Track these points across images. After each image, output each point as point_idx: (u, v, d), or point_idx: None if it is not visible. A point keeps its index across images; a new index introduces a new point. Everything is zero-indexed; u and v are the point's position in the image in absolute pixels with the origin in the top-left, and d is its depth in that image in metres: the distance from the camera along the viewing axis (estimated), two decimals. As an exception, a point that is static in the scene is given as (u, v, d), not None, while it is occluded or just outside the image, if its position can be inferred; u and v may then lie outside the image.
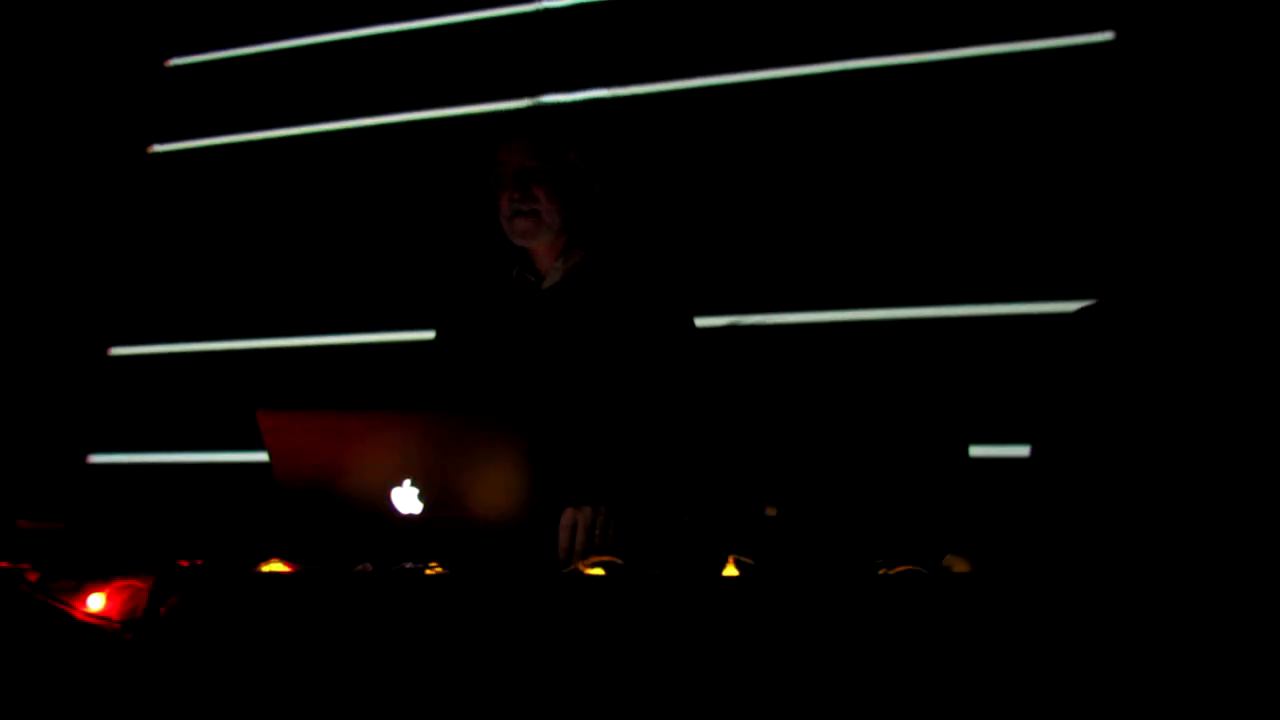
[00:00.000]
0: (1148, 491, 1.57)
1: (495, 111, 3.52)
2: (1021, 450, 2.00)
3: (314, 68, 3.87)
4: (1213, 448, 1.53)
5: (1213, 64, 2.67)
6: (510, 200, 2.11)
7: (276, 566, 1.59)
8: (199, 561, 1.66)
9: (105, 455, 3.82)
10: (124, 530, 1.76)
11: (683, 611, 1.29)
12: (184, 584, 1.54)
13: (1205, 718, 1.08)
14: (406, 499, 1.52)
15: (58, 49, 4.05)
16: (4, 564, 1.65)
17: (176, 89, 4.06)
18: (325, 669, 1.42)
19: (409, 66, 3.73)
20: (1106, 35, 2.95)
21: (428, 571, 1.49)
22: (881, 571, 1.32)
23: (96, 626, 1.55)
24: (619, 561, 1.43)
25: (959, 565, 1.32)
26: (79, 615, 1.56)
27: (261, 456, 1.60)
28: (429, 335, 2.34)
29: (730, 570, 1.36)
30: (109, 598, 1.57)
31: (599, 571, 1.42)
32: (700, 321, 2.23)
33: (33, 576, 1.61)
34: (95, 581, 1.58)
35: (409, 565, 1.52)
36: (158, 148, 4.04)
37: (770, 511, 1.43)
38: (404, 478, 1.52)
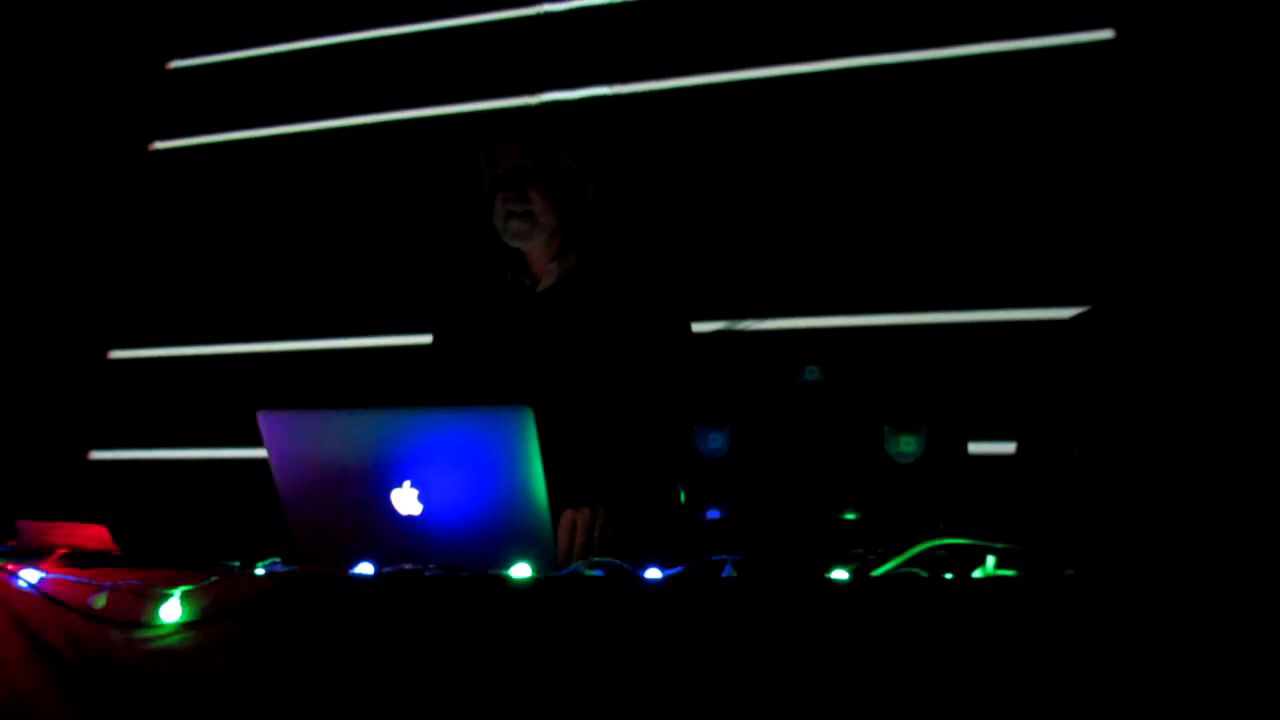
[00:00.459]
0: (1139, 491, 1.57)
1: (492, 112, 3.53)
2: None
3: (318, 69, 3.88)
4: (1204, 449, 1.53)
5: (1213, 63, 2.66)
6: (504, 201, 2.11)
7: (275, 568, 1.59)
8: (199, 562, 1.66)
9: (106, 452, 3.83)
10: (124, 530, 1.76)
11: (682, 612, 1.30)
12: (184, 584, 1.54)
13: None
14: (406, 500, 1.52)
15: (59, 53, 4.05)
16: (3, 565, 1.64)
17: (177, 90, 4.07)
18: (324, 670, 1.42)
19: (410, 68, 3.73)
20: (1106, 33, 2.95)
21: (427, 572, 1.49)
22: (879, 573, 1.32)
23: (98, 627, 1.55)
24: (618, 563, 1.43)
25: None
26: (79, 616, 1.56)
27: (260, 453, 1.61)
28: (426, 339, 2.34)
29: (731, 571, 1.36)
30: (109, 598, 1.56)
31: (598, 572, 1.42)
32: (696, 325, 2.23)
33: (32, 576, 1.60)
34: (97, 582, 1.58)
35: (408, 566, 1.52)
36: (159, 145, 4.05)
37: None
38: (403, 478, 1.52)
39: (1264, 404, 1.51)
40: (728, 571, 1.37)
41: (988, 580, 1.30)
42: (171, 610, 1.49)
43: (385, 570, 1.52)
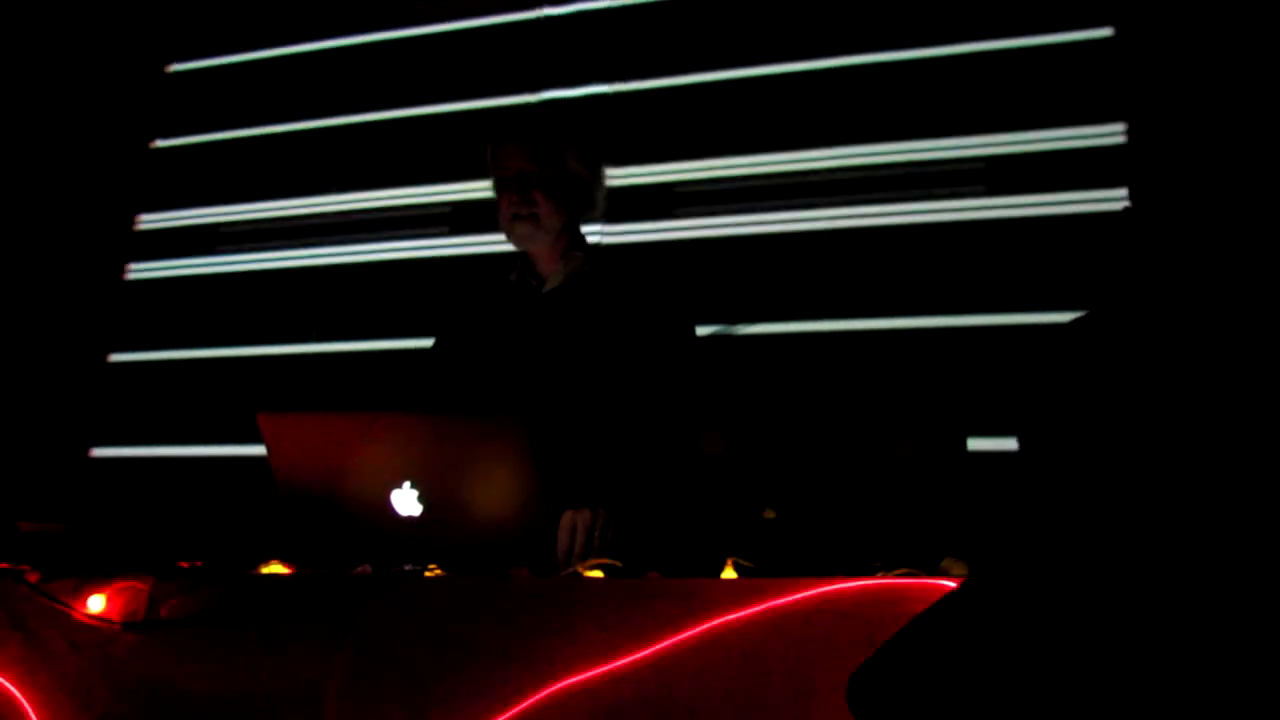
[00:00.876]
0: (1136, 495, 1.57)
1: (493, 111, 3.53)
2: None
3: (318, 70, 3.89)
4: (1203, 454, 1.53)
5: (1212, 61, 2.66)
6: (510, 203, 2.10)
7: (276, 568, 1.59)
8: (199, 563, 1.67)
9: (107, 449, 3.83)
10: (124, 530, 1.76)
11: (682, 613, 1.30)
12: (184, 585, 1.55)
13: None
14: (406, 501, 1.53)
15: (59, 55, 4.06)
16: (4, 565, 1.65)
17: (177, 92, 4.08)
18: (324, 671, 1.42)
19: (414, 69, 3.74)
20: (1105, 31, 2.95)
21: (427, 573, 1.49)
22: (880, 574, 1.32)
23: (96, 627, 1.55)
24: (618, 564, 1.44)
25: (957, 568, 1.33)
26: (79, 616, 1.56)
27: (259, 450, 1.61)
28: (428, 342, 2.34)
29: (729, 573, 1.36)
30: (109, 599, 1.57)
31: (598, 574, 1.43)
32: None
33: (33, 577, 1.61)
34: (95, 582, 1.58)
35: (408, 567, 1.52)
36: (160, 143, 4.05)
37: (769, 514, 1.43)
38: (403, 480, 1.52)
39: (1264, 404, 1.51)
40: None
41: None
42: (172, 611, 1.50)
43: (385, 571, 1.53)
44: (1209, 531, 1.35)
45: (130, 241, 3.99)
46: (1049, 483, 1.70)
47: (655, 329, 2.06)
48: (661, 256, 3.12)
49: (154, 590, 1.55)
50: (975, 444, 1.59)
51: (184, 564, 1.65)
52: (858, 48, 3.18)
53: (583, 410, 1.98)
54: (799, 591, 1.28)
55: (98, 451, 3.83)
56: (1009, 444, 1.88)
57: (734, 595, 1.30)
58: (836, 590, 1.28)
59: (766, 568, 1.39)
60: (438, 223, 3.55)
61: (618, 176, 2.43)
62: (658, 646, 1.29)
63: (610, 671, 1.30)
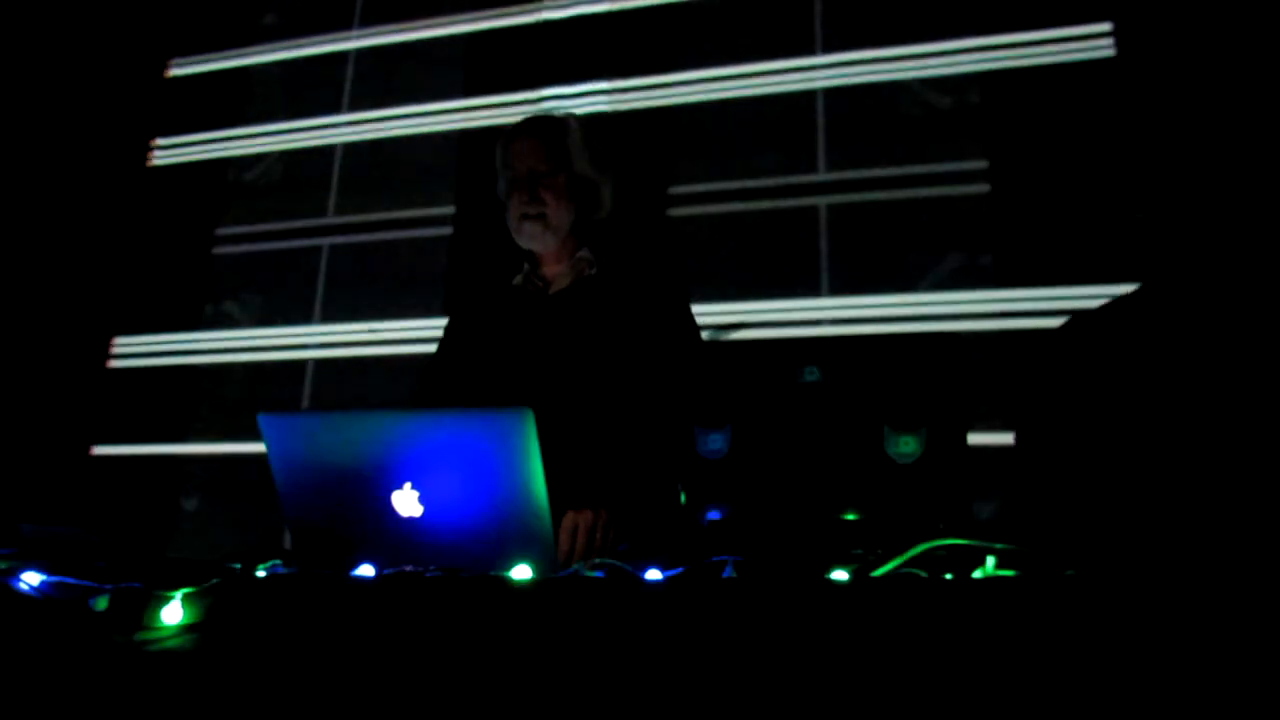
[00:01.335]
0: (1141, 490, 1.57)
1: (498, 116, 3.53)
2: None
3: (319, 71, 3.89)
4: (1198, 450, 1.53)
5: (1211, 59, 2.66)
6: (519, 203, 2.10)
7: (276, 570, 1.59)
8: (199, 563, 1.67)
9: (108, 447, 3.83)
10: (124, 530, 1.76)
11: (683, 614, 1.30)
12: (184, 586, 1.54)
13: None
14: (406, 502, 1.52)
15: (59, 57, 4.06)
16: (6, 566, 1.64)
17: (179, 94, 4.09)
18: (325, 672, 1.42)
19: (415, 72, 3.74)
20: (1104, 28, 2.95)
21: (427, 575, 1.49)
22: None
23: (98, 628, 1.55)
24: (619, 565, 1.44)
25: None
26: (80, 619, 1.56)
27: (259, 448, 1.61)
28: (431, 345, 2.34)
29: (730, 572, 1.36)
30: (111, 600, 1.56)
31: (598, 574, 1.43)
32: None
33: (34, 580, 1.60)
34: (96, 584, 1.58)
35: (409, 568, 1.52)
36: (160, 142, 4.05)
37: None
38: (404, 480, 1.52)
39: (1263, 405, 1.51)
40: (728, 572, 1.37)
41: (987, 580, 1.30)
42: (173, 613, 1.50)
43: (386, 572, 1.53)
44: (1206, 530, 1.36)
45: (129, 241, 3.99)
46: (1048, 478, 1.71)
47: (660, 331, 2.06)
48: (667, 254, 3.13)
49: (155, 592, 1.55)
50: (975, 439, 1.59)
51: (184, 565, 1.65)
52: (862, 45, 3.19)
53: (586, 411, 1.98)
54: (799, 591, 1.28)
55: (98, 450, 3.83)
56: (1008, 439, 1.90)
57: (734, 594, 1.30)
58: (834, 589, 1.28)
59: (767, 567, 1.39)
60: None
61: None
62: (658, 646, 1.29)
63: (610, 671, 1.30)
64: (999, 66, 3.01)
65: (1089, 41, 2.92)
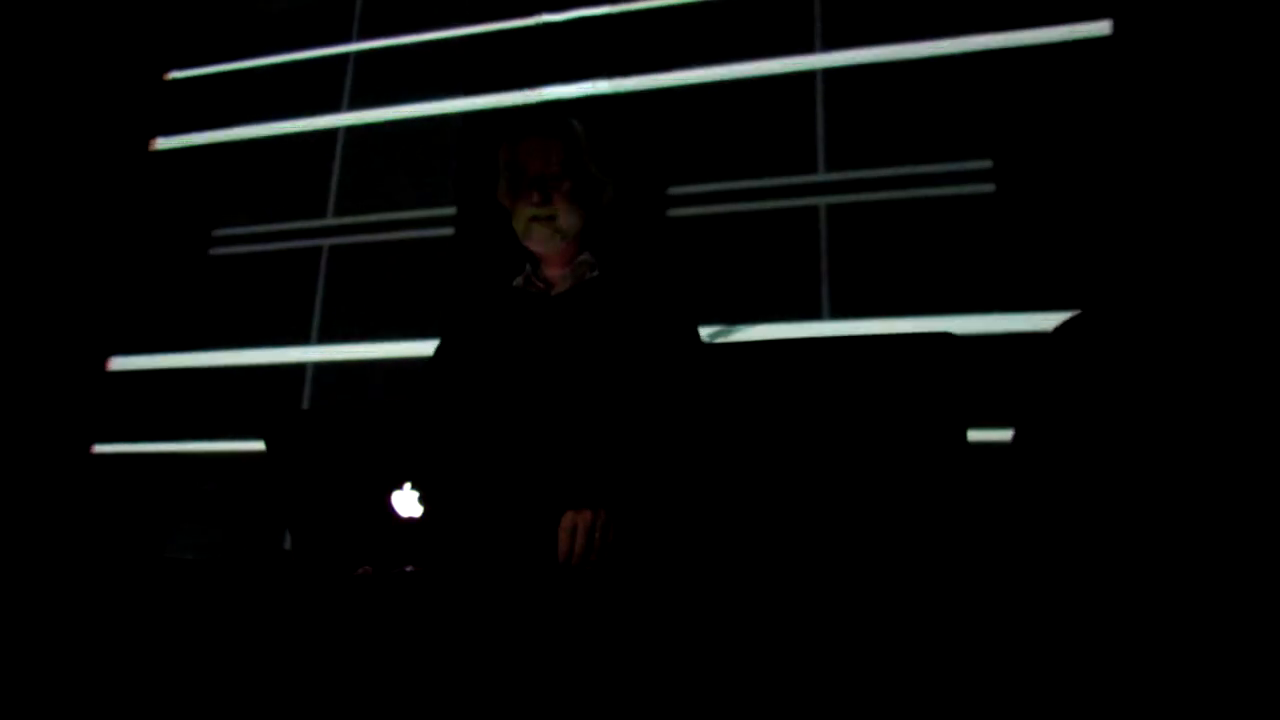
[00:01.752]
0: (1131, 493, 1.57)
1: (500, 117, 3.54)
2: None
3: (317, 72, 3.91)
4: (1195, 452, 1.53)
5: (1211, 57, 2.66)
6: (528, 204, 2.08)
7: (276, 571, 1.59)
8: (198, 563, 1.67)
9: (110, 445, 3.84)
10: (124, 531, 1.76)
11: (681, 614, 1.30)
12: (183, 585, 1.55)
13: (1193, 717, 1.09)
14: (406, 502, 1.53)
15: (58, 62, 4.07)
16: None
17: (177, 100, 4.10)
18: (325, 671, 1.42)
19: (418, 74, 3.75)
20: (1103, 26, 2.95)
21: (427, 575, 1.49)
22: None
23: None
24: (618, 564, 1.44)
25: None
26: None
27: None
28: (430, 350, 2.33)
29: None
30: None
31: (597, 574, 1.43)
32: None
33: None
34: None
35: (409, 568, 1.52)
36: (160, 141, 4.07)
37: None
38: (404, 480, 1.52)
39: (1262, 406, 1.51)
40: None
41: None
42: (172, 612, 1.50)
43: (385, 573, 1.53)
44: (1204, 531, 1.36)
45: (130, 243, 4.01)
46: (1047, 478, 1.71)
47: (661, 334, 2.05)
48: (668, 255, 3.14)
49: (153, 593, 1.55)
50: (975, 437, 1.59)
51: (183, 565, 1.65)
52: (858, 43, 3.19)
53: (587, 413, 1.97)
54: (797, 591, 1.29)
55: (99, 448, 3.83)
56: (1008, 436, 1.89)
57: (733, 594, 1.31)
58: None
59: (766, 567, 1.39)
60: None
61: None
62: (657, 644, 1.30)
63: (609, 671, 1.31)
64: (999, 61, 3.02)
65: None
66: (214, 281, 3.84)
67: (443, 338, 2.26)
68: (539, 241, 2.11)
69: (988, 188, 2.95)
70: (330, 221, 3.75)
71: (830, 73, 3.19)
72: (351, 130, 3.80)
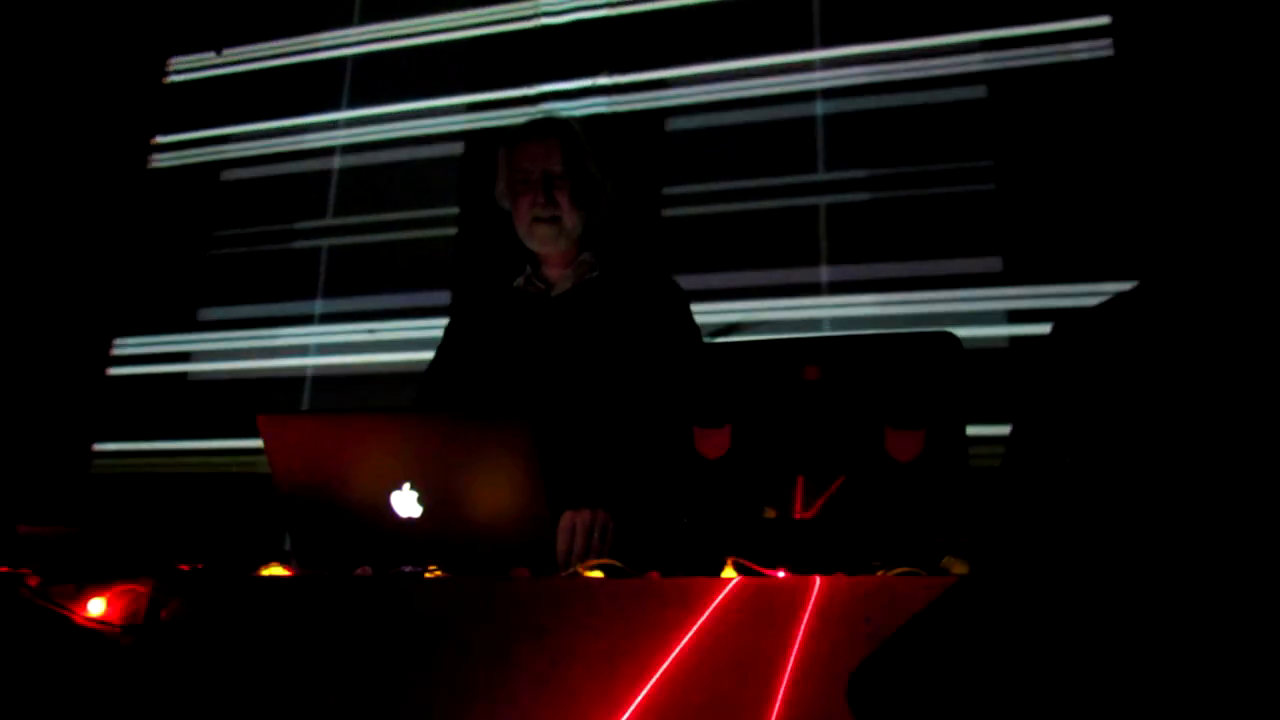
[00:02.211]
0: (1134, 491, 1.57)
1: (502, 118, 3.55)
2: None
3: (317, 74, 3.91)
4: (1198, 451, 1.53)
5: (1210, 52, 2.66)
6: (531, 205, 2.08)
7: (276, 570, 1.59)
8: (199, 565, 1.67)
9: (110, 443, 3.83)
10: (124, 532, 1.76)
11: (681, 614, 1.30)
12: (184, 588, 1.54)
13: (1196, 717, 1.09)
14: (405, 502, 1.52)
15: (59, 66, 4.07)
16: (4, 569, 1.64)
17: (179, 96, 4.11)
18: (325, 672, 1.42)
19: (420, 76, 3.76)
20: (1102, 21, 2.95)
21: (427, 575, 1.49)
22: (880, 573, 1.32)
23: (97, 631, 1.55)
24: (618, 564, 1.43)
25: (958, 567, 1.32)
26: (79, 620, 1.56)
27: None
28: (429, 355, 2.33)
29: (729, 572, 1.36)
30: (109, 602, 1.56)
31: (598, 574, 1.42)
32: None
33: (33, 581, 1.60)
34: (95, 586, 1.58)
35: (408, 569, 1.52)
36: (160, 140, 4.08)
37: (770, 513, 1.43)
38: (403, 481, 1.52)
39: (1261, 407, 1.51)
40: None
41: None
42: (173, 615, 1.50)
43: (385, 573, 1.53)
44: (1204, 529, 1.35)
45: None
46: (1047, 477, 1.70)
47: (662, 333, 2.05)
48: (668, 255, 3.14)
49: (154, 594, 1.54)
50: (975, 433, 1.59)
51: (184, 567, 1.65)
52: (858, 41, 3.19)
53: (588, 413, 1.97)
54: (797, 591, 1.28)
55: (100, 447, 3.83)
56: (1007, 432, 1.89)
57: (734, 595, 1.30)
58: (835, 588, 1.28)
59: (766, 568, 1.39)
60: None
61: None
62: (658, 646, 1.29)
63: (609, 672, 1.30)
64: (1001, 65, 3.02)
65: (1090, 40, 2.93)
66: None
67: (445, 338, 2.25)
68: (543, 242, 2.11)
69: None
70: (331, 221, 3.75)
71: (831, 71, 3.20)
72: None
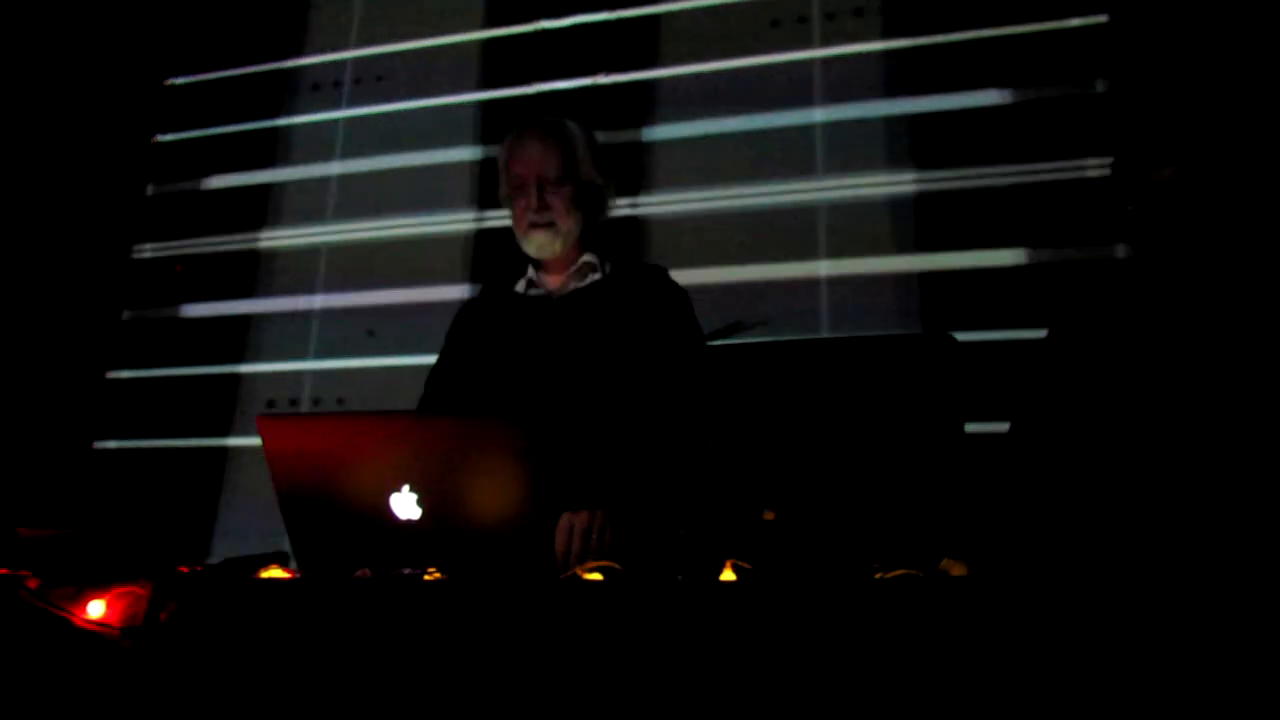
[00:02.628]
0: (1134, 484, 1.57)
1: (503, 121, 3.55)
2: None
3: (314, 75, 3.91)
4: (1198, 442, 1.53)
5: (1208, 49, 2.66)
6: (526, 209, 2.08)
7: (275, 573, 1.59)
8: (199, 567, 1.67)
9: (110, 441, 3.84)
10: (124, 534, 1.76)
11: (681, 616, 1.30)
12: (183, 590, 1.54)
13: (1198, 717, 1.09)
14: (405, 504, 1.52)
15: (58, 74, 4.08)
16: (3, 570, 1.65)
17: (177, 105, 4.12)
18: (324, 675, 1.42)
19: (422, 77, 3.76)
20: (1100, 19, 2.95)
21: (426, 577, 1.49)
22: (878, 575, 1.32)
23: (96, 633, 1.55)
24: (617, 566, 1.43)
25: (956, 569, 1.32)
26: (79, 622, 1.56)
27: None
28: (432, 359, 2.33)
29: (728, 575, 1.36)
30: (109, 604, 1.56)
31: (597, 576, 1.42)
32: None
33: (32, 583, 1.61)
34: (95, 588, 1.58)
35: (407, 571, 1.52)
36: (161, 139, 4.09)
37: (768, 515, 1.43)
38: (402, 483, 1.52)
39: (1260, 406, 1.51)
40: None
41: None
42: (173, 617, 1.50)
43: (384, 575, 1.52)
44: (1203, 527, 1.35)
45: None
46: (1046, 475, 1.70)
47: (662, 337, 2.04)
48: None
49: (153, 596, 1.54)
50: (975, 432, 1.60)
51: (184, 569, 1.65)
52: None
53: (588, 415, 1.96)
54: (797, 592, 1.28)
55: (100, 445, 3.84)
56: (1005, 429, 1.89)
57: (733, 597, 1.30)
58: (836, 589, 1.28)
59: (766, 569, 1.39)
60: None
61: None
62: (657, 648, 1.29)
63: (609, 673, 1.30)
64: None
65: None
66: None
67: (446, 342, 2.25)
68: (539, 247, 2.11)
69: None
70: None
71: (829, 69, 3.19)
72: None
